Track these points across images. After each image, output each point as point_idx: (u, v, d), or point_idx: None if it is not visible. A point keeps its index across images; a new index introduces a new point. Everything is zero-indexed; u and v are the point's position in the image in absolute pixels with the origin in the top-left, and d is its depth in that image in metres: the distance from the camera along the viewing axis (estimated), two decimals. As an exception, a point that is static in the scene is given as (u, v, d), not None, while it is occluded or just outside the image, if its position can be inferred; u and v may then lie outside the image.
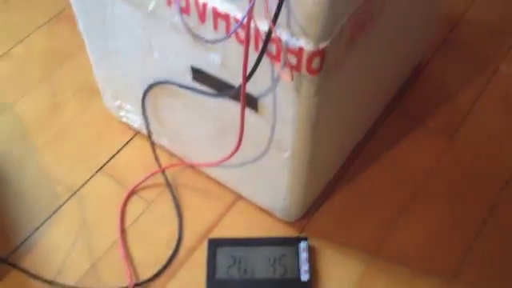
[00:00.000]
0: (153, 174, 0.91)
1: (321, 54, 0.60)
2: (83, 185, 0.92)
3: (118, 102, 0.94)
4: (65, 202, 0.90)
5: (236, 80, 0.70)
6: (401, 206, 0.90)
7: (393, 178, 0.93)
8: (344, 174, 0.93)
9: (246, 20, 0.58)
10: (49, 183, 0.92)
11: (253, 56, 0.62)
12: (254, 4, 0.56)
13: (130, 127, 0.98)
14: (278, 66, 0.63)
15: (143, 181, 0.91)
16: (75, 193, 0.91)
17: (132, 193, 0.91)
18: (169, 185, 0.91)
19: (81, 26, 0.85)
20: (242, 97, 0.66)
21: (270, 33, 0.57)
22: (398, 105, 1.02)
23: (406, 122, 1.00)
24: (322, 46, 0.60)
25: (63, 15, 1.14)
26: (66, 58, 1.08)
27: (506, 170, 0.94)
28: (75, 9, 0.83)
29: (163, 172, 0.92)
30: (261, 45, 0.61)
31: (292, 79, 0.62)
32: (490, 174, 0.94)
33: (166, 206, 0.89)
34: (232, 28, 0.64)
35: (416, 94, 1.04)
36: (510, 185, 0.93)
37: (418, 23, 0.94)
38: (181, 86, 0.77)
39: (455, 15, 1.17)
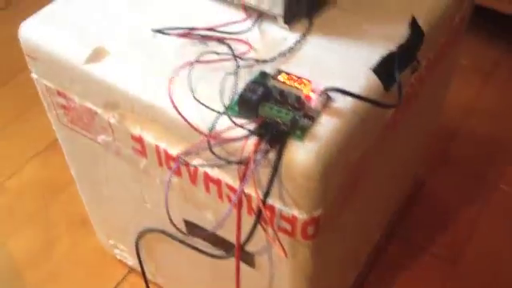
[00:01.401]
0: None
1: (315, 221, 0.59)
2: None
3: (111, 241, 0.92)
4: None
5: (232, 235, 0.68)
6: None
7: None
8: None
9: (238, 196, 0.57)
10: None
11: (248, 219, 0.61)
12: (244, 185, 0.55)
13: (125, 263, 0.95)
14: (271, 233, 0.62)
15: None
16: None
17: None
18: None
19: (72, 171, 0.84)
20: (236, 264, 0.64)
21: (260, 213, 0.56)
22: (398, 229, 1.00)
23: (406, 249, 0.98)
24: (316, 213, 0.58)
25: (57, 144, 1.14)
26: (59, 189, 1.07)
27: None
28: (66, 156, 0.82)
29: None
30: (254, 203, 0.60)
31: (287, 256, 0.60)
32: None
33: None
34: (224, 192, 0.63)
35: (415, 216, 1.02)
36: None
37: (415, 145, 0.93)
38: (174, 238, 0.75)
39: (451, 128, 1.17)
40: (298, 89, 0.57)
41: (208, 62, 0.60)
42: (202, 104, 0.57)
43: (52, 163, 1.11)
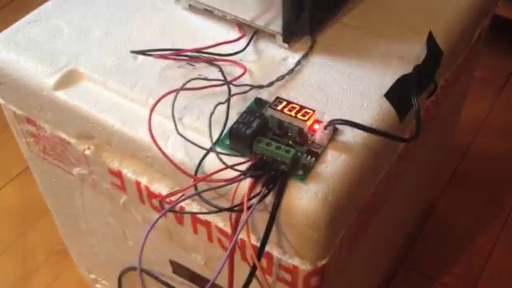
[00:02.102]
0: None
1: (320, 272, 0.51)
2: None
3: (92, 276, 0.84)
4: None
5: (223, 281, 0.60)
6: None
7: None
8: None
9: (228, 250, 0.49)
10: None
11: (241, 264, 0.53)
12: (237, 235, 0.47)
13: (108, 297, 0.87)
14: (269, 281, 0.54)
15: None
16: None
17: None
18: None
19: (47, 202, 0.76)
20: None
21: (254, 268, 0.47)
22: (407, 258, 0.92)
23: (417, 280, 0.90)
24: (321, 263, 0.50)
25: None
26: (37, 216, 0.98)
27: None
28: (40, 187, 0.74)
29: None
30: (248, 255, 0.52)
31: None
32: None
33: None
34: (214, 235, 0.55)
35: (426, 243, 0.94)
36: None
37: (428, 169, 0.85)
38: (158, 279, 0.67)
39: (462, 144, 1.09)
40: (299, 120, 0.49)
41: (196, 88, 0.52)
42: (188, 140, 0.49)
43: (30, 187, 1.02)
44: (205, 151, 0.48)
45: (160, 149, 0.48)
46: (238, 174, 0.46)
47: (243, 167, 0.47)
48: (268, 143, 0.47)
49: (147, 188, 0.56)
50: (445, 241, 0.95)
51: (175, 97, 0.51)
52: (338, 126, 0.49)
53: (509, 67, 1.24)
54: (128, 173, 0.56)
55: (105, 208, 0.65)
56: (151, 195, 0.56)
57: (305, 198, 0.46)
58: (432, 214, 0.98)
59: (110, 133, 0.54)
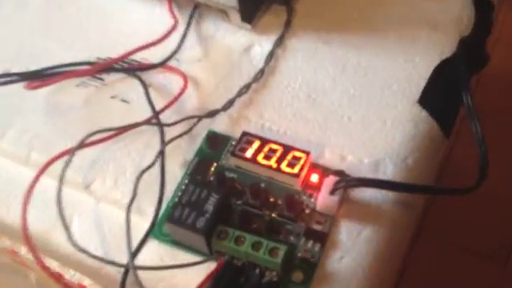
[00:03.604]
0: None
1: None
2: None
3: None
4: None
5: None
6: None
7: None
8: None
9: None
10: None
11: None
12: None
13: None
14: None
15: None
16: None
17: None
18: None
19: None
20: None
21: None
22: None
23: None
24: None
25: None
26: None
27: None
28: None
29: None
30: None
31: None
32: None
33: None
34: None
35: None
36: None
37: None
38: None
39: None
40: (285, 174, 0.29)
41: (103, 140, 0.31)
42: (87, 253, 0.28)
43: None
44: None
45: (37, 257, 0.28)
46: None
47: (197, 274, 0.27)
48: (237, 238, 0.27)
49: None
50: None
51: (68, 161, 0.29)
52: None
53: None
54: None
55: None
56: None
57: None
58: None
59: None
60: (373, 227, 0.29)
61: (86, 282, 0.31)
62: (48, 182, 0.30)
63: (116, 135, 0.30)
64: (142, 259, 0.28)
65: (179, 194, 0.28)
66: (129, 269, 0.27)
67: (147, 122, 0.30)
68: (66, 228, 0.29)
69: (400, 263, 0.31)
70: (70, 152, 0.29)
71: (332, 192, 0.28)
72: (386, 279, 0.29)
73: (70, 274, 0.31)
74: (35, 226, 0.29)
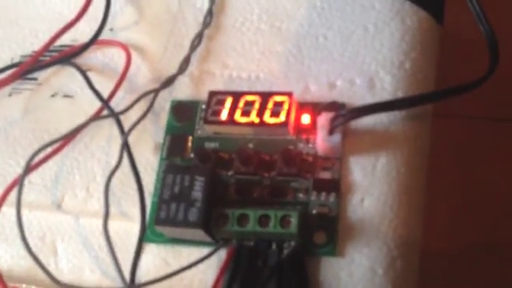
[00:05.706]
0: None
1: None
2: None
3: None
4: None
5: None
6: None
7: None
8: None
9: None
10: None
11: None
12: None
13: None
14: None
15: None
16: None
17: None
18: None
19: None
20: None
21: None
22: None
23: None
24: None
25: None
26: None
27: None
28: None
29: None
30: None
31: None
32: None
33: None
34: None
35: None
36: None
37: None
38: None
39: None
40: (272, 126, 0.25)
41: (54, 152, 0.26)
42: None
43: None
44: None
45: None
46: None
47: (209, 267, 0.24)
48: (240, 218, 0.23)
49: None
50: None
51: (20, 185, 0.25)
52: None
53: None
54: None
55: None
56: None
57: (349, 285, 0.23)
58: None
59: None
60: (387, 155, 0.25)
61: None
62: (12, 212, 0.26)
63: (66, 144, 0.25)
64: (145, 269, 0.25)
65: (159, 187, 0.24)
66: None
67: (97, 116, 0.26)
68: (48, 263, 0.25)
69: (425, 180, 0.27)
70: (20, 178, 0.24)
71: (330, 132, 0.23)
72: (417, 207, 0.25)
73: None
74: (15, 267, 0.26)
